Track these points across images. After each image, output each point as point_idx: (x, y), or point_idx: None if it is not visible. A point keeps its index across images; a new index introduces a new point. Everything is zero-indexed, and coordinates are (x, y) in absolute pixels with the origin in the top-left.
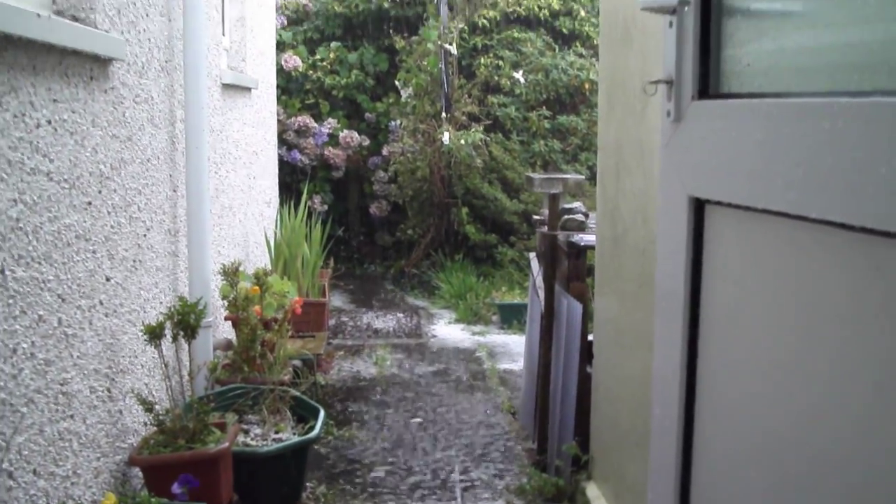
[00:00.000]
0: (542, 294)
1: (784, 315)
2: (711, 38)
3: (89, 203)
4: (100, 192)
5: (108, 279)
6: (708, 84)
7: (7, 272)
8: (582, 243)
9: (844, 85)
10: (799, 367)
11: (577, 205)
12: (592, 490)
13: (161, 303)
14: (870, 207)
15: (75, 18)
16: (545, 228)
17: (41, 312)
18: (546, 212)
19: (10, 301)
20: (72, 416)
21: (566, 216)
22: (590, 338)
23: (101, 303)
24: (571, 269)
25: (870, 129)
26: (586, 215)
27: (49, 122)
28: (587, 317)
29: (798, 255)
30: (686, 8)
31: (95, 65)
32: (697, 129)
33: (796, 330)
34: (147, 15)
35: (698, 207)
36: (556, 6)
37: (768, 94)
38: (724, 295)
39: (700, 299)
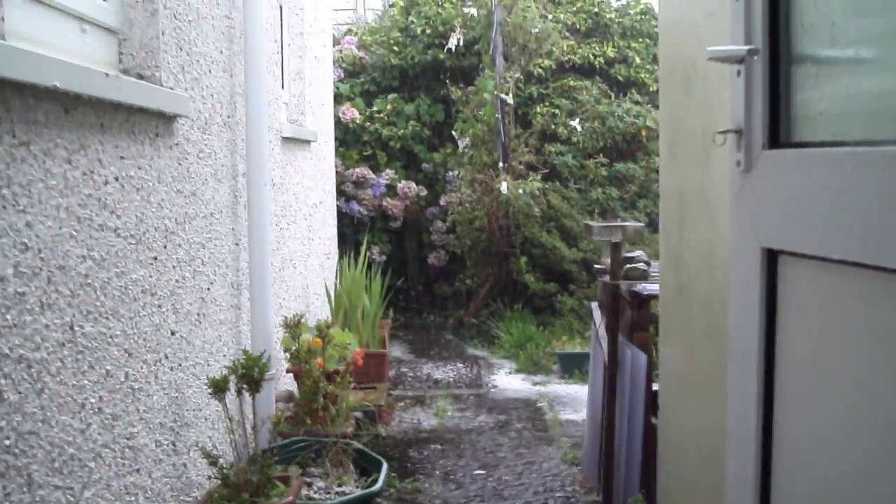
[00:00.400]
0: (604, 344)
1: (865, 368)
2: (781, 86)
3: (155, 258)
4: (165, 246)
5: (173, 333)
6: (779, 133)
7: (76, 328)
8: (645, 293)
9: None
10: (882, 424)
11: (638, 253)
12: None
13: (224, 356)
14: None
15: (141, 77)
16: (607, 278)
17: (109, 367)
18: (607, 261)
19: (79, 356)
20: (138, 471)
21: (628, 265)
22: (654, 388)
23: (166, 357)
24: (635, 318)
25: None
26: (648, 264)
27: (116, 179)
28: (651, 367)
29: (877, 306)
30: (755, 57)
31: (161, 121)
32: (769, 179)
33: (878, 384)
34: (210, 71)
35: (771, 258)
36: (611, 54)
37: (842, 143)
38: (800, 347)
39: (775, 352)
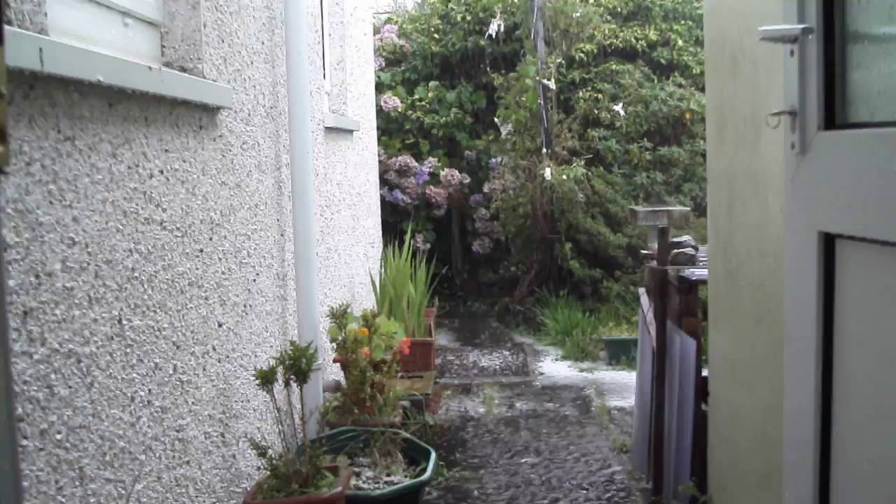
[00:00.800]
0: (652, 330)
1: None
2: (836, 65)
3: (201, 250)
4: (210, 239)
5: (220, 325)
6: (834, 114)
7: (124, 321)
8: (693, 278)
9: None
10: None
11: (685, 238)
12: None
13: (271, 346)
14: None
15: (184, 69)
16: (654, 263)
17: (157, 360)
18: (654, 246)
19: (128, 350)
20: (188, 462)
21: (675, 250)
22: (704, 374)
23: (213, 349)
24: (683, 304)
25: None
26: (696, 248)
27: (161, 172)
28: (700, 353)
29: None
30: (809, 36)
31: (204, 114)
32: (825, 162)
33: None
34: (252, 63)
35: (828, 242)
36: (653, 37)
37: None
38: (859, 334)
39: (833, 339)
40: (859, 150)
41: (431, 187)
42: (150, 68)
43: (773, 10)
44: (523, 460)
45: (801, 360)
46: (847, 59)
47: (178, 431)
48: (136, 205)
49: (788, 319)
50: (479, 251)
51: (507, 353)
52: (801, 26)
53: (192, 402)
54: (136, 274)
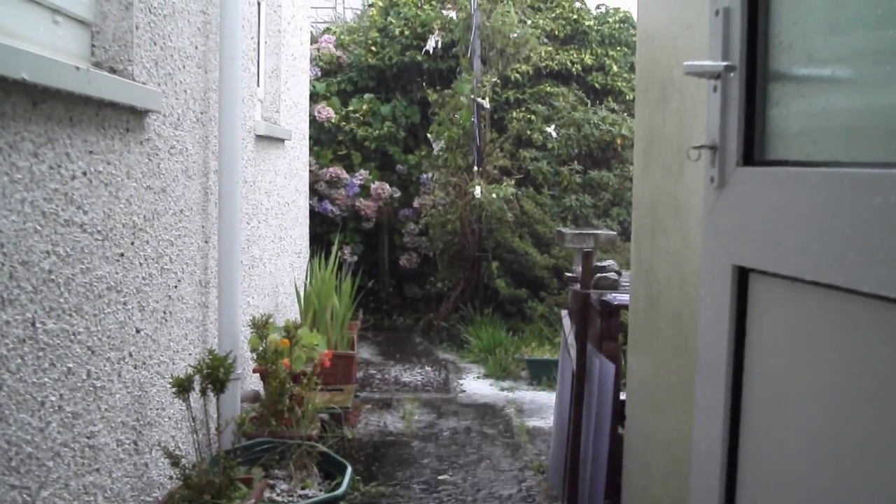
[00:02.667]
0: (573, 353)
1: (834, 389)
2: (757, 103)
3: (122, 254)
4: (132, 243)
5: (138, 331)
6: (753, 150)
7: (38, 324)
8: (615, 303)
9: None
10: (850, 446)
11: (609, 262)
12: None
13: (190, 354)
14: None
15: (113, 70)
16: (577, 286)
17: (70, 365)
18: (578, 269)
19: (40, 354)
20: (98, 470)
21: (599, 274)
22: (622, 397)
23: (130, 355)
24: (604, 328)
25: None
26: (619, 273)
27: (84, 174)
28: (619, 377)
29: (849, 328)
30: (732, 73)
31: (132, 116)
32: (742, 197)
33: (847, 406)
34: (184, 67)
35: (742, 276)
36: (588, 61)
37: (817, 163)
38: (769, 366)
39: (743, 369)
40: (775, 187)
41: (361, 200)
42: (77, 68)
43: (703, 44)
44: (440, 477)
45: (712, 390)
46: (767, 98)
47: (88, 438)
48: (57, 206)
49: (701, 349)
50: (407, 266)
51: (430, 369)
52: (724, 63)
53: (105, 409)
54: (53, 276)
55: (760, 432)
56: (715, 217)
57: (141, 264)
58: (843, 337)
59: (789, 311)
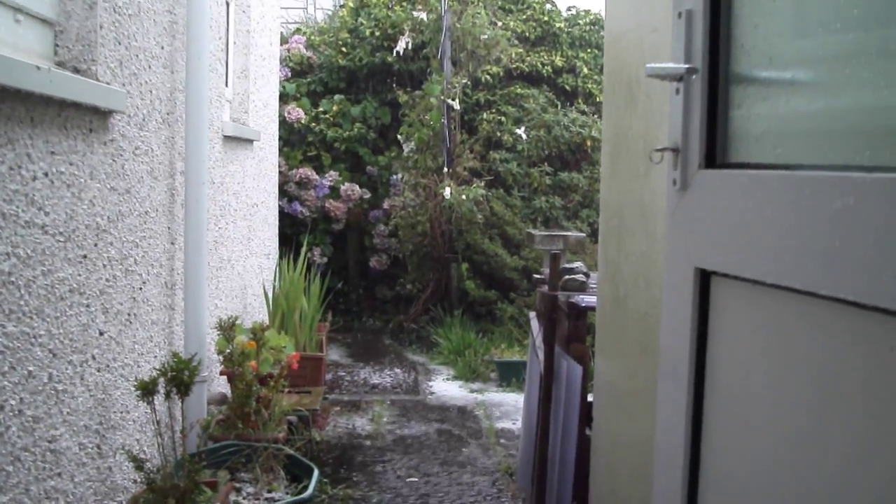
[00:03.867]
0: (541, 354)
1: (793, 392)
2: (719, 106)
3: (85, 256)
4: (96, 245)
5: (101, 333)
6: (715, 153)
7: None
8: (583, 304)
9: (860, 159)
10: (808, 447)
11: (578, 264)
12: None
13: (156, 357)
14: (884, 287)
15: (77, 70)
16: (545, 288)
17: (31, 368)
18: (547, 271)
19: (0, 357)
20: (59, 475)
21: (567, 276)
22: (590, 399)
23: (93, 357)
24: (572, 330)
25: (884, 207)
26: (587, 275)
27: (46, 175)
28: (587, 379)
29: (808, 331)
30: (694, 76)
31: (95, 117)
32: (704, 199)
33: (806, 408)
34: (149, 67)
35: (704, 279)
36: (559, 63)
37: (779, 166)
38: (730, 368)
39: (705, 371)
40: (736, 190)
41: (331, 201)
42: (38, 68)
43: (668, 47)
44: (409, 479)
45: (674, 392)
46: (729, 101)
47: (50, 442)
48: (17, 207)
49: (664, 352)
50: (377, 267)
51: (399, 370)
52: (687, 66)
53: (68, 412)
54: (13, 278)
55: (722, 434)
56: (677, 219)
57: (105, 266)
58: (804, 340)
59: (751, 314)
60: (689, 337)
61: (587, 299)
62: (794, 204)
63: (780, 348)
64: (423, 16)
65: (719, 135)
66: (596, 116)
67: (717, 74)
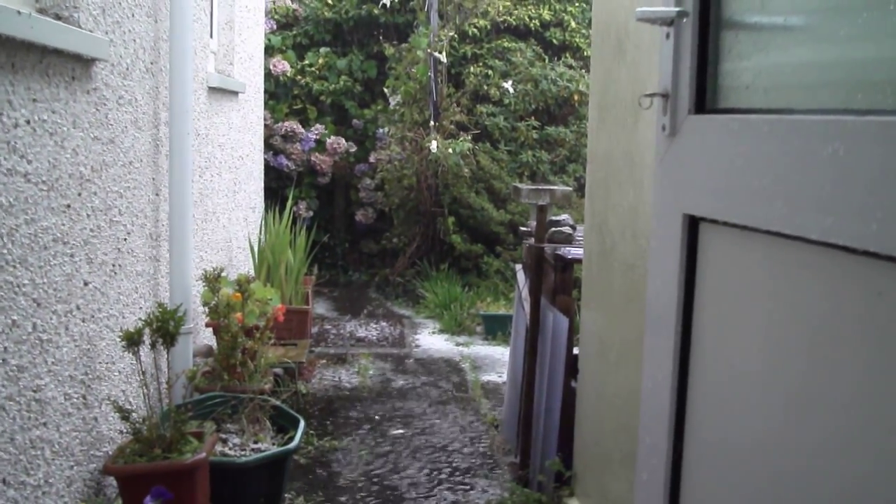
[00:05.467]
0: (527, 307)
1: (781, 338)
2: (710, 51)
3: (68, 206)
4: (79, 194)
5: (86, 284)
6: (705, 98)
7: None
8: (569, 256)
9: (849, 103)
10: (796, 393)
11: (564, 217)
12: None
13: (141, 308)
14: (873, 231)
15: (58, 17)
16: (532, 240)
17: (15, 317)
18: (533, 223)
19: None
20: (45, 424)
21: (553, 228)
22: (575, 351)
23: (78, 308)
24: (558, 282)
25: (876, 151)
26: (574, 228)
27: (28, 123)
28: (573, 331)
29: (797, 277)
30: (684, 20)
31: (78, 65)
32: (693, 145)
33: (795, 354)
34: (133, 15)
35: (692, 225)
36: (546, 17)
37: (769, 111)
38: (717, 315)
39: (692, 319)
40: (726, 135)
41: (317, 154)
42: (18, 13)
43: None
44: (395, 431)
45: (661, 339)
46: (720, 45)
47: (35, 392)
48: None
49: (651, 299)
50: (363, 221)
51: (385, 324)
52: (677, 9)
53: (52, 362)
54: None
55: (709, 384)
56: (666, 166)
57: (89, 216)
58: (793, 286)
59: (739, 261)
60: (677, 285)
61: (574, 251)
62: (785, 148)
63: (768, 295)
64: None
65: (709, 80)
66: (584, 71)
67: (707, 19)
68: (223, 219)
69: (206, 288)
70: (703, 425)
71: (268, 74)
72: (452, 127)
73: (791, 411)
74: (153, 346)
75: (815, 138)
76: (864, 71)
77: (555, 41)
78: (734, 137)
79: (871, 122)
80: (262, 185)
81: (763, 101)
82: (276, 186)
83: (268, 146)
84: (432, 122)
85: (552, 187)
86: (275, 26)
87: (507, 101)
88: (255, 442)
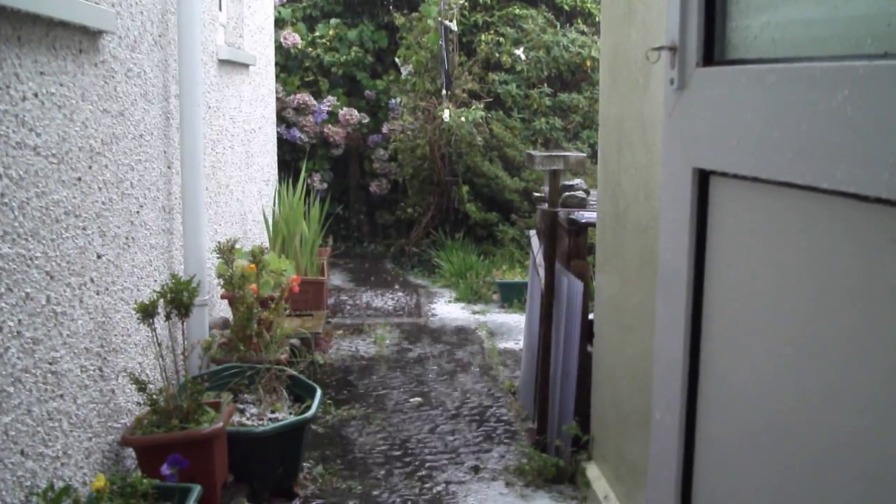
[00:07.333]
0: (542, 272)
1: (793, 290)
2: (718, 2)
3: (79, 179)
4: (90, 167)
5: (99, 256)
6: (713, 50)
7: None
8: (583, 220)
9: (862, 48)
10: (809, 346)
11: (577, 181)
12: (593, 470)
13: (155, 280)
14: (885, 178)
15: None
16: (546, 205)
17: (28, 290)
18: (547, 189)
19: None
20: (62, 396)
21: (567, 193)
22: (591, 316)
23: (91, 280)
24: (572, 246)
25: (887, 95)
26: (587, 192)
27: (36, 95)
28: (588, 295)
29: (809, 227)
30: None
31: (85, 37)
32: (702, 98)
33: (807, 306)
34: None
35: (703, 179)
36: None
37: (778, 60)
38: (729, 270)
39: (704, 275)
40: (735, 86)
41: (330, 126)
42: None
43: None
44: (412, 399)
45: (673, 296)
46: None
47: (51, 364)
48: (7, 128)
49: (663, 255)
50: (377, 192)
51: (402, 294)
52: None
53: (68, 335)
54: (6, 200)
55: (721, 338)
56: (675, 120)
57: (100, 189)
58: (804, 236)
59: (750, 213)
60: (688, 240)
61: (587, 215)
62: (793, 98)
63: (779, 246)
64: None
65: (717, 31)
66: (595, 36)
67: None
68: (237, 191)
69: (220, 260)
70: (718, 385)
71: (278, 47)
72: (465, 95)
73: (802, 359)
74: (168, 317)
75: (824, 86)
76: (875, 13)
77: (566, 7)
78: (743, 89)
79: (881, 66)
80: (276, 157)
81: (772, 51)
82: (290, 159)
83: (280, 119)
84: (444, 91)
85: (566, 153)
86: None
87: (519, 69)
88: (273, 412)
